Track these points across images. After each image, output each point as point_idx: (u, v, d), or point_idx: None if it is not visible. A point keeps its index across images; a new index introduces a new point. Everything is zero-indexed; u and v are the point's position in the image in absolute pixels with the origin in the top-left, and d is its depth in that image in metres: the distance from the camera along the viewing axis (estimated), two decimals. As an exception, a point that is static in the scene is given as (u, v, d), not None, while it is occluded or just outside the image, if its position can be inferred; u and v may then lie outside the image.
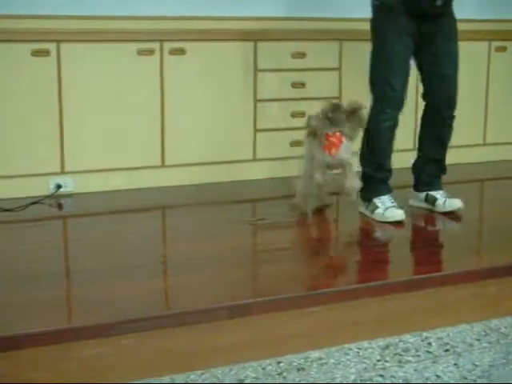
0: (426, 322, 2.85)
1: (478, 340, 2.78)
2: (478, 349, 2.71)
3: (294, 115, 4.66)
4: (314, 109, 4.61)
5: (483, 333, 2.84)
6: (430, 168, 3.96)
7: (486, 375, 2.51)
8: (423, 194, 3.96)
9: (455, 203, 3.87)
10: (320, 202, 3.90)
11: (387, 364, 2.57)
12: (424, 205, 3.95)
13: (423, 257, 3.32)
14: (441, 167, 3.98)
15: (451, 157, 4.09)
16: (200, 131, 4.47)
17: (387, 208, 3.72)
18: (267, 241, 3.54)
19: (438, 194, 3.92)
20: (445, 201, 3.88)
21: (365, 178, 3.81)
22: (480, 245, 3.64)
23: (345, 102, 3.82)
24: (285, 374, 2.49)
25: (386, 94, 3.71)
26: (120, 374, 2.40)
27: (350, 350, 2.66)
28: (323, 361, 2.58)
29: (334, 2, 4.81)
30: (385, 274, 3.05)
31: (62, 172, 4.21)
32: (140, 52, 4.28)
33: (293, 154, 4.67)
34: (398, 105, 3.72)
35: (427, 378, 2.47)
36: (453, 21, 3.80)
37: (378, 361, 2.60)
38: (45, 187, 4.15)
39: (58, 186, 4.16)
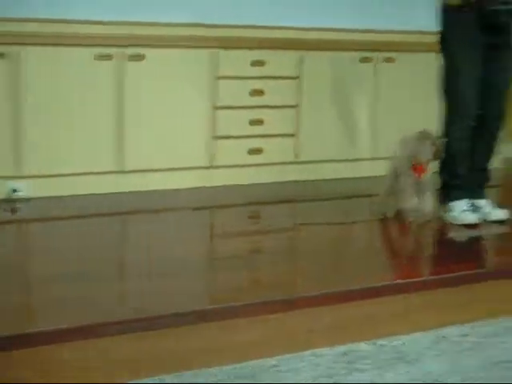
0: (381, 329, 2.87)
1: (430, 348, 2.82)
2: (429, 357, 2.75)
3: (252, 123, 4.67)
4: (272, 116, 4.67)
5: (435, 341, 2.88)
6: (478, 177, 4.07)
7: (436, 382, 2.54)
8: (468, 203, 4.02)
9: (501, 213, 3.96)
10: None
11: (341, 371, 2.59)
12: None
13: (380, 265, 3.36)
14: (487, 175, 4.11)
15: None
16: (158, 137, 4.46)
17: (462, 211, 3.88)
18: (226, 249, 3.55)
19: (482, 203, 4.00)
20: (490, 210, 3.97)
21: (443, 184, 3.99)
22: (431, 254, 3.69)
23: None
24: (238, 381, 2.49)
25: (458, 106, 3.87)
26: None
27: (305, 357, 2.67)
28: (278, 368, 2.59)
29: (295, 11, 4.85)
30: (341, 282, 3.06)
31: (18, 176, 4.16)
32: (97, 57, 4.25)
33: (251, 161, 4.71)
34: (470, 116, 3.87)
35: (379, 386, 2.50)
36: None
37: (332, 368, 2.61)
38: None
39: (14, 190, 4.12)
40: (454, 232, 3.86)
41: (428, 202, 3.82)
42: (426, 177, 3.82)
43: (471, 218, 3.87)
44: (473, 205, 3.96)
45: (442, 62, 3.91)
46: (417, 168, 3.78)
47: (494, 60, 3.86)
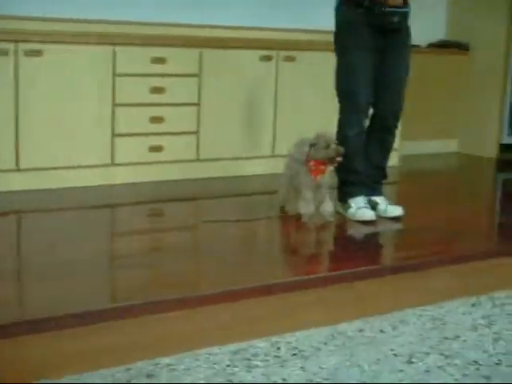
0: (276, 326, 2.89)
1: (325, 343, 2.85)
2: (324, 352, 2.78)
3: (152, 120, 4.64)
4: (173, 114, 4.66)
5: (330, 336, 2.91)
6: (374, 174, 4.14)
7: (330, 378, 2.58)
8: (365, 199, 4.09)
9: (396, 210, 4.04)
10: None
11: (236, 369, 2.59)
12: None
13: (275, 262, 3.39)
14: (384, 173, 4.18)
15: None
16: (56, 135, 4.38)
17: (359, 208, 3.94)
18: (126, 247, 3.52)
19: (379, 199, 4.08)
20: (386, 206, 4.04)
21: (340, 180, 4.03)
22: (327, 250, 3.74)
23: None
24: (134, 381, 2.48)
25: (352, 105, 3.93)
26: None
27: (200, 355, 2.67)
28: (173, 367, 2.58)
29: (195, 9, 4.84)
30: (238, 280, 3.07)
31: None
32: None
33: (152, 159, 4.68)
34: (364, 114, 3.97)
35: (274, 382, 2.52)
36: (408, 35, 4.01)
37: (228, 366, 2.62)
38: None
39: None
40: (352, 228, 3.93)
41: (327, 205, 3.86)
42: (322, 178, 3.84)
43: (368, 214, 3.95)
44: (369, 201, 4.04)
45: (336, 62, 3.97)
46: (314, 170, 3.81)
47: (389, 60, 3.94)
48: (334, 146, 3.77)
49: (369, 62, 3.90)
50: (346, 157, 3.94)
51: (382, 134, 4.08)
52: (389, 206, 4.04)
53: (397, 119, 4.07)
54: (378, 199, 4.07)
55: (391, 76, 3.97)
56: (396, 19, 3.85)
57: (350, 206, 3.99)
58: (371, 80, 3.92)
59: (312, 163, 3.81)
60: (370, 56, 3.89)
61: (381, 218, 4.00)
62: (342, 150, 3.78)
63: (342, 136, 3.94)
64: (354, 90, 3.90)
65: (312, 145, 3.80)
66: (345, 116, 3.98)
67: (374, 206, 4.04)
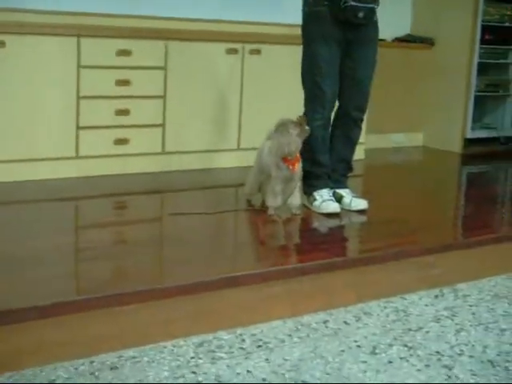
0: (241, 318, 2.90)
1: (290, 335, 2.87)
2: (288, 344, 2.79)
3: (118, 113, 4.62)
4: (139, 106, 4.64)
5: (295, 328, 2.93)
6: (340, 167, 4.15)
7: (294, 369, 2.59)
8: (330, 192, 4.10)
9: (361, 203, 4.05)
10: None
11: (200, 361, 2.60)
12: None
13: (242, 254, 3.39)
14: (349, 166, 4.19)
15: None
16: (19, 127, 4.34)
17: (324, 201, 3.95)
18: (90, 239, 3.50)
19: (344, 192, 4.10)
20: (351, 200, 4.06)
21: (305, 172, 3.98)
22: (292, 243, 3.75)
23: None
24: (97, 373, 2.47)
25: (317, 96, 3.92)
26: None
27: (165, 347, 2.67)
28: (137, 359, 2.58)
29: (161, 1, 4.82)
30: (202, 272, 3.07)
31: None
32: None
33: (117, 151, 4.66)
34: (329, 105, 3.95)
35: (239, 374, 2.53)
36: (375, 29, 4.02)
37: (192, 358, 2.62)
38: None
39: None
40: (317, 221, 3.94)
41: (295, 198, 3.86)
42: (299, 167, 3.82)
43: (333, 206, 3.97)
44: (334, 194, 4.06)
45: (302, 53, 3.98)
46: (290, 159, 3.79)
47: (355, 54, 3.96)
48: (305, 126, 3.78)
49: (334, 53, 3.91)
50: (310, 148, 3.96)
51: (347, 128, 4.09)
52: (354, 198, 4.06)
53: (362, 112, 4.08)
54: (343, 192, 4.09)
55: (357, 70, 3.98)
56: (361, 14, 3.86)
57: (315, 199, 4.00)
58: (336, 72, 3.94)
59: (286, 153, 3.76)
60: (336, 48, 3.90)
61: (345, 211, 4.02)
62: (309, 130, 3.80)
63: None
64: (318, 80, 3.91)
65: (282, 133, 3.77)
66: (309, 107, 3.98)
67: (339, 199, 4.05)
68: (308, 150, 3.98)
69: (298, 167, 3.83)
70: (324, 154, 4.05)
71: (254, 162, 4.02)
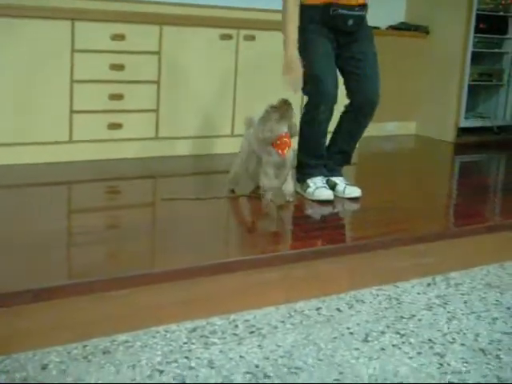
0: (234, 304, 2.90)
1: (283, 322, 2.87)
2: (281, 330, 2.80)
3: (111, 97, 4.60)
4: (132, 91, 4.62)
5: (288, 315, 2.94)
6: (338, 158, 4.15)
7: (287, 355, 2.60)
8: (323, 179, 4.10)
9: (354, 191, 4.06)
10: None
11: (193, 346, 2.60)
12: None
13: (235, 240, 3.39)
14: (348, 158, 4.20)
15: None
16: (13, 111, 4.32)
17: (317, 188, 3.97)
18: (83, 224, 3.49)
19: (338, 180, 4.10)
20: (345, 187, 4.06)
21: (301, 163, 4.05)
22: (285, 230, 3.75)
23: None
24: (90, 357, 2.47)
25: (320, 91, 3.89)
26: None
27: (158, 332, 2.68)
28: (130, 343, 2.58)
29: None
30: (195, 257, 3.06)
31: None
32: None
33: (110, 136, 4.65)
34: (331, 99, 3.90)
35: (231, 359, 2.53)
36: (368, 28, 4.02)
37: (185, 343, 2.63)
38: None
39: None
40: (310, 208, 3.94)
41: (288, 185, 3.85)
42: (289, 152, 3.77)
43: (326, 193, 3.97)
44: (328, 181, 4.06)
45: (301, 51, 3.91)
46: (278, 144, 3.77)
47: (354, 52, 3.96)
48: (287, 109, 3.73)
49: (329, 48, 3.92)
50: (313, 141, 3.99)
51: (355, 124, 4.07)
52: (347, 186, 4.06)
53: (373, 108, 4.05)
54: (336, 180, 4.09)
55: (359, 67, 3.96)
56: (350, 22, 3.88)
57: (308, 186, 4.00)
58: (334, 68, 3.95)
59: (276, 138, 3.75)
60: (329, 44, 3.92)
61: (339, 199, 4.02)
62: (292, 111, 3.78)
63: (310, 120, 3.95)
64: (319, 74, 3.87)
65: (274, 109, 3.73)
66: (313, 102, 3.94)
67: (332, 187, 4.05)
68: (307, 143, 4.00)
69: (289, 153, 3.77)
70: (323, 147, 4.08)
71: (240, 149, 4.00)
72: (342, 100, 4.04)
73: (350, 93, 4.03)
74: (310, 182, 4.02)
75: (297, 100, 4.08)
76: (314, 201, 3.97)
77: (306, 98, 4.05)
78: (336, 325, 2.89)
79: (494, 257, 3.74)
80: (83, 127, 4.56)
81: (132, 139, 4.74)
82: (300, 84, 3.85)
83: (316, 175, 4.04)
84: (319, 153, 4.07)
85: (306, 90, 3.96)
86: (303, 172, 4.08)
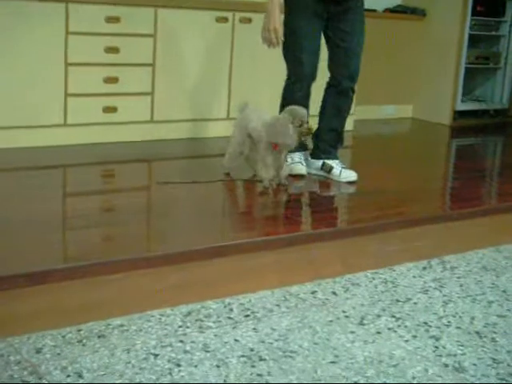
0: (229, 288, 2.90)
1: (278, 305, 2.87)
2: (277, 313, 2.80)
3: (106, 81, 4.58)
4: (127, 74, 4.59)
5: (283, 298, 2.93)
6: (330, 137, 4.14)
7: (282, 338, 2.59)
8: (320, 162, 4.11)
9: (350, 174, 4.06)
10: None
11: (188, 330, 2.60)
12: (320, 172, 4.12)
13: (230, 224, 3.39)
14: (339, 137, 4.19)
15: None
16: (7, 94, 4.29)
17: (293, 163, 4.03)
18: (78, 207, 3.47)
19: (334, 163, 4.09)
20: (340, 171, 4.06)
21: None
22: (280, 214, 3.73)
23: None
24: (85, 341, 2.47)
25: (297, 70, 3.96)
26: None
27: (153, 316, 2.67)
28: (124, 327, 2.57)
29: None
30: (189, 241, 3.05)
31: None
32: None
33: (105, 119, 4.62)
34: (309, 79, 3.98)
35: (226, 343, 2.53)
36: (359, 1, 4.00)
37: (180, 327, 2.62)
38: None
39: None
40: (305, 192, 3.94)
41: (284, 169, 3.85)
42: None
43: (297, 168, 4.02)
44: (324, 165, 4.06)
45: (284, 28, 3.92)
46: (277, 146, 3.77)
47: (342, 25, 3.95)
48: (306, 125, 3.75)
49: (314, 27, 3.93)
50: None
51: (338, 98, 4.08)
52: (343, 170, 4.05)
53: (353, 81, 4.07)
54: (332, 163, 4.08)
55: (346, 40, 3.97)
56: None
57: (285, 161, 4.01)
58: (316, 45, 3.97)
59: (279, 144, 3.76)
60: (317, 22, 3.92)
61: (334, 182, 4.02)
62: (313, 129, 3.82)
63: (288, 96, 3.99)
64: (298, 56, 3.93)
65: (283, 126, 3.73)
66: (291, 79, 4.00)
67: (328, 170, 4.05)
68: None
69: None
70: None
71: (234, 129, 3.99)
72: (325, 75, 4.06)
73: (332, 65, 4.05)
74: (288, 157, 4.03)
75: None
76: (288, 175, 3.97)
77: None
78: (331, 308, 2.89)
79: (490, 240, 3.73)
80: (78, 110, 4.54)
81: (127, 123, 4.72)
82: (278, 39, 3.84)
83: (294, 151, 4.06)
84: None
85: (285, 59, 4.00)
86: None
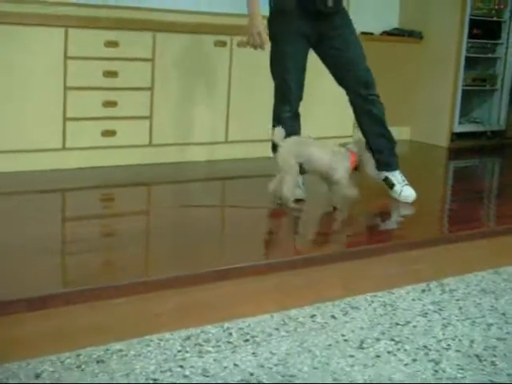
0: (228, 312, 2.89)
1: (277, 329, 2.86)
2: (276, 338, 2.79)
3: (105, 105, 4.60)
4: (126, 98, 4.61)
5: (282, 322, 2.93)
6: (381, 145, 4.14)
7: (282, 363, 2.59)
8: (382, 175, 4.14)
9: (411, 195, 4.11)
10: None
11: (187, 355, 2.59)
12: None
13: (227, 248, 3.39)
14: (391, 142, 4.19)
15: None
16: (6, 118, 4.31)
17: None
18: (77, 231, 3.47)
19: (395, 179, 4.15)
20: (401, 191, 4.12)
21: None
22: (278, 237, 3.74)
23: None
24: (84, 366, 2.46)
25: (284, 91, 4.03)
26: None
27: (152, 341, 2.66)
28: (123, 352, 2.56)
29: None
30: (188, 265, 3.05)
31: None
32: None
33: (104, 143, 4.64)
34: (295, 100, 4.04)
35: (225, 367, 2.52)
36: (345, 15, 4.04)
37: (179, 351, 2.61)
38: None
39: None
40: (304, 215, 3.94)
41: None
42: None
43: (297, 193, 3.98)
44: (386, 179, 4.13)
45: (270, 51, 4.01)
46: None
47: (334, 42, 3.98)
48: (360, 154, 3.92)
49: (300, 49, 3.97)
50: None
51: (364, 108, 4.09)
52: (404, 189, 4.11)
53: (369, 88, 4.06)
54: (393, 179, 4.12)
55: (342, 57, 3.99)
56: (330, 3, 3.87)
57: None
58: (302, 65, 4.00)
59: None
60: (303, 43, 3.95)
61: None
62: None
63: (276, 117, 4.04)
64: (284, 77, 3.98)
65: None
66: (278, 99, 4.05)
67: (390, 186, 4.14)
68: None
69: None
70: None
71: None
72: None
73: (341, 82, 4.07)
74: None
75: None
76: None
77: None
78: (331, 332, 2.89)
79: (489, 262, 3.73)
80: (77, 134, 4.55)
81: (126, 146, 4.74)
82: (262, 42, 3.88)
83: None
84: None
85: (272, 78, 4.04)
86: None
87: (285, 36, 3.92)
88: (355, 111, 4.15)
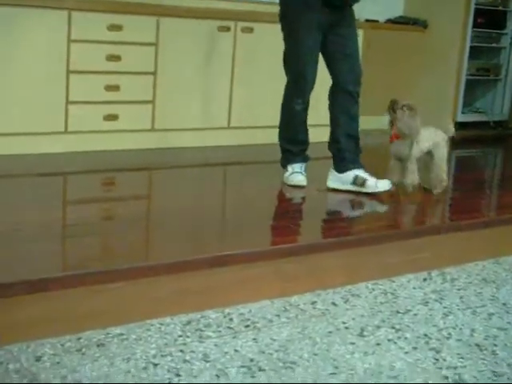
0: (229, 298, 2.89)
1: (278, 316, 2.86)
2: (276, 324, 2.79)
3: (108, 88, 4.58)
4: (129, 82, 4.60)
5: (283, 308, 2.92)
6: (351, 145, 4.11)
7: (282, 349, 2.58)
8: (350, 175, 4.04)
9: (386, 183, 4.04)
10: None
11: (188, 339, 2.59)
12: (350, 187, 4.03)
13: (228, 235, 3.38)
14: (357, 142, 4.16)
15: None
16: (9, 101, 4.29)
17: (293, 173, 4.07)
18: (77, 215, 3.47)
19: (365, 175, 4.05)
20: (376, 181, 4.03)
21: (283, 149, 4.15)
22: (280, 224, 3.73)
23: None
24: (84, 350, 2.46)
25: (300, 84, 4.01)
26: None
27: (152, 325, 2.66)
28: (124, 336, 2.56)
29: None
30: (188, 251, 3.05)
31: None
32: None
33: (106, 127, 4.63)
34: (309, 92, 4.02)
35: (226, 353, 2.52)
36: (352, 10, 4.05)
37: (180, 336, 2.61)
38: None
39: None
40: (307, 202, 3.94)
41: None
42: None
43: (297, 179, 4.04)
44: (356, 178, 4.03)
45: (284, 41, 3.98)
46: None
47: (340, 31, 3.98)
48: None
49: (316, 40, 3.95)
50: (291, 128, 4.08)
51: (347, 104, 4.07)
52: (378, 180, 4.05)
53: (358, 86, 4.07)
54: (364, 174, 4.04)
55: (346, 46, 4.00)
56: None
57: (286, 171, 4.09)
58: (317, 58, 4.00)
59: None
60: (318, 34, 3.93)
61: (334, 194, 4.01)
62: None
63: (288, 109, 4.04)
64: (301, 70, 3.97)
65: None
66: (291, 91, 4.04)
67: (362, 183, 4.01)
68: (288, 130, 4.09)
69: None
70: (303, 133, 4.13)
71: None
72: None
73: (336, 72, 4.04)
74: (289, 166, 4.10)
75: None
76: (288, 185, 4.05)
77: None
78: (331, 319, 2.88)
79: (491, 252, 3.73)
80: (79, 118, 4.54)
81: (128, 131, 4.72)
82: None
83: (296, 162, 4.10)
84: (298, 139, 4.12)
85: (287, 72, 4.02)
86: (285, 157, 4.15)
87: (306, 29, 3.90)
88: (334, 109, 4.10)
